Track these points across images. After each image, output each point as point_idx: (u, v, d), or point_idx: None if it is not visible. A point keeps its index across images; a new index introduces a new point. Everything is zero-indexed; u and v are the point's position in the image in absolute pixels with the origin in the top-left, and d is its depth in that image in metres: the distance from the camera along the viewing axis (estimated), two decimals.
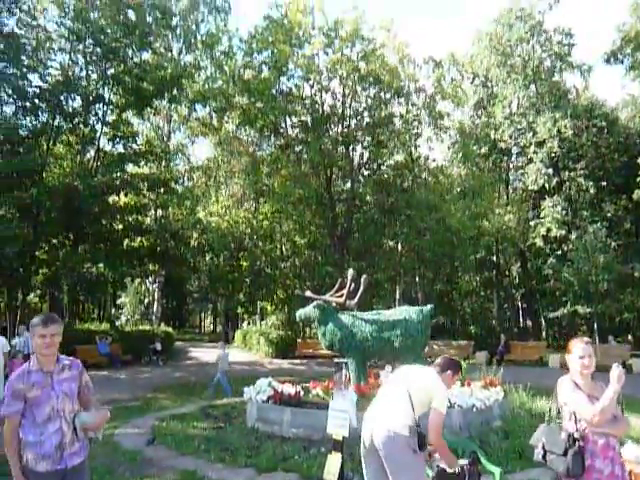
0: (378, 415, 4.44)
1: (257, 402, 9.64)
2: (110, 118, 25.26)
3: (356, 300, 10.86)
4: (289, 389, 9.84)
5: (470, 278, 37.56)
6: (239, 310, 35.57)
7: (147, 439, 8.62)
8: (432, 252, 27.76)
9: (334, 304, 10.71)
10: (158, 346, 23.46)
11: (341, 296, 10.74)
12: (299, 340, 28.02)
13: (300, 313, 10.84)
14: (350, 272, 10.54)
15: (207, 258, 30.87)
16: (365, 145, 28.35)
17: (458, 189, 30.76)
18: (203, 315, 64.78)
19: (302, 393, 9.73)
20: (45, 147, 23.80)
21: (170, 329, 28.58)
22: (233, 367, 22.98)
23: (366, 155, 28.85)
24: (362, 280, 10.75)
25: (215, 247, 28.75)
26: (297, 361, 25.28)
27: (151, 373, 20.02)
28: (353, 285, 10.60)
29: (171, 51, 30.13)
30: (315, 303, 10.64)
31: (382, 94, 27.32)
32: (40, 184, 21.49)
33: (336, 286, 11.34)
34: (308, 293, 11.97)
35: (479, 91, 34.92)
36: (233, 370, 21.77)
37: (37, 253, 21.92)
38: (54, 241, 22.59)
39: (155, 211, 28.07)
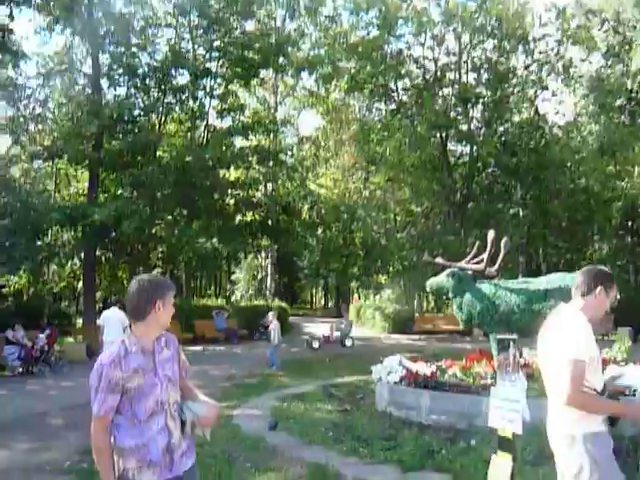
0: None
1: (388, 383, 8.42)
2: (218, 92, 24.95)
3: (497, 267, 9.26)
4: (424, 369, 8.52)
5: (604, 245, 33.88)
6: (352, 284, 34.63)
7: (269, 423, 7.68)
8: (565, 217, 24.94)
9: (471, 272, 9.21)
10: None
11: (479, 262, 9.21)
12: (417, 315, 26.54)
13: (431, 283, 9.49)
14: (491, 233, 8.92)
15: (319, 231, 30.05)
16: (485, 102, 25.90)
17: (593, 146, 27.38)
18: (314, 291, 64.95)
19: (438, 373, 8.40)
20: (157, 125, 23.96)
21: (284, 304, 28.19)
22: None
23: (487, 114, 26.39)
24: (502, 244, 9.08)
25: (327, 219, 27.80)
26: (415, 337, 23.88)
27: (267, 348, 19.50)
28: (493, 249, 9.01)
29: (275, 19, 29.26)
30: (449, 271, 9.24)
31: (503, 44, 24.72)
32: (154, 161, 21.58)
33: (472, 252, 9.83)
34: (439, 259, 10.52)
35: (610, 38, 30.88)
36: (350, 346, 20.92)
37: (154, 230, 22.10)
38: (169, 217, 22.69)
39: (265, 185, 27.57)
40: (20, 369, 13.13)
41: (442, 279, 9.21)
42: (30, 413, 8.84)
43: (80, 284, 25.50)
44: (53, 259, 23.35)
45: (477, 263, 9.28)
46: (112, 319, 13.16)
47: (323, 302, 59.18)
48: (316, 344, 19.07)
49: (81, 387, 11.21)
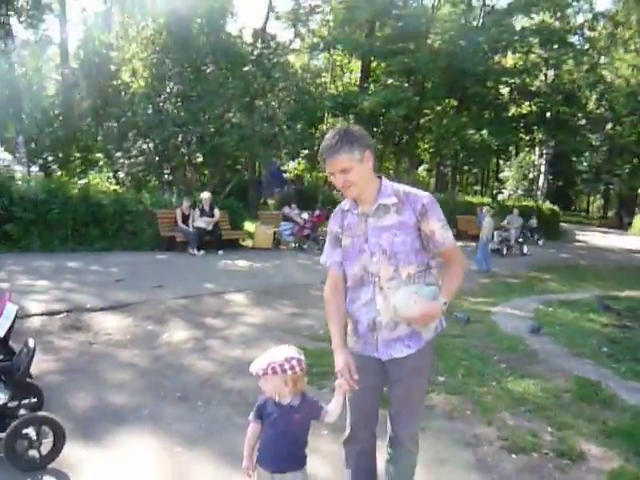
0: None
1: None
2: None
3: None
4: None
5: None
6: None
7: (531, 326, 6.91)
8: None
9: None
10: (533, 222, 21.10)
11: None
12: None
13: None
14: None
15: (607, 127, 25.94)
16: None
17: None
18: (591, 198, 58.42)
19: None
20: (430, 8, 22.67)
21: (555, 207, 25.68)
22: (632, 257, 19.32)
23: None
24: None
25: (618, 111, 23.69)
26: None
27: (532, 251, 18.10)
28: None
29: None
30: None
31: None
32: (424, 47, 20.63)
33: None
34: None
35: None
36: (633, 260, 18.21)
37: (422, 120, 21.58)
38: (438, 108, 21.85)
39: (546, 71, 24.42)
40: (293, 244, 14.37)
41: None
42: (295, 284, 9.51)
43: None
44: None
45: None
46: None
47: (602, 211, 53.02)
48: None
49: None
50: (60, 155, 18.74)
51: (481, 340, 6.42)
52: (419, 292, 2.41)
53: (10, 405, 3.38)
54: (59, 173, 16.68)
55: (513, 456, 3.78)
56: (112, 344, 5.85)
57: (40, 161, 19.37)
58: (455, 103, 21.98)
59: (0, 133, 20.18)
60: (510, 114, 22.61)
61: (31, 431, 3.28)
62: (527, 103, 23.04)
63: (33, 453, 3.29)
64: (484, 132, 20.53)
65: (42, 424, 3.33)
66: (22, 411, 3.41)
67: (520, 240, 17.06)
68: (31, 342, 3.55)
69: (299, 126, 16.51)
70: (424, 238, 2.46)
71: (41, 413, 3.45)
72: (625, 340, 6.80)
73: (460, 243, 18.41)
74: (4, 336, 4.10)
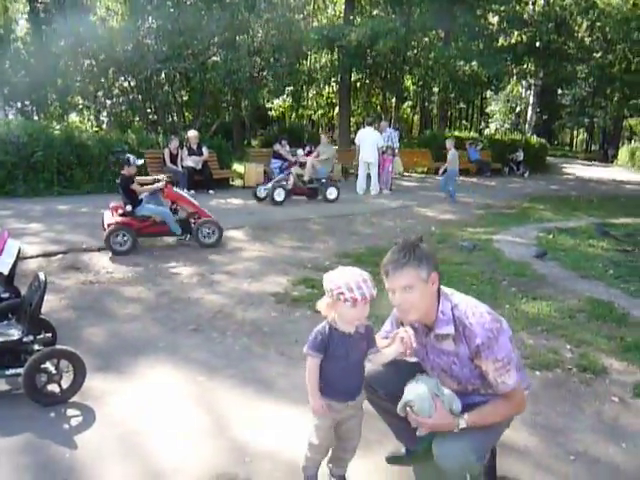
0: None
1: None
2: None
3: None
4: None
5: None
6: (629, 122, 29.61)
7: (536, 251, 6.87)
8: None
9: None
10: (520, 156, 20.98)
11: None
12: None
13: None
14: None
15: (597, 55, 25.39)
16: None
17: None
18: (575, 132, 58.22)
19: None
20: None
21: (543, 140, 25.49)
22: (621, 187, 19.40)
23: None
24: None
25: (612, 37, 23.08)
26: None
27: (523, 183, 18.07)
28: None
29: None
30: None
31: None
32: None
33: None
34: None
35: None
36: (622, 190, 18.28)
37: (409, 54, 20.92)
38: (425, 39, 21.17)
39: None
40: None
41: None
42: (292, 219, 9.34)
43: (336, 110, 26.12)
44: (312, 84, 24.04)
45: None
46: (368, 139, 13.13)
47: (585, 145, 53.01)
48: None
49: (338, 202, 11.68)
50: (36, 98, 18.03)
51: (488, 266, 6.38)
52: (441, 396, 2.23)
53: (25, 340, 3.25)
54: (36, 117, 16.11)
55: (537, 373, 3.78)
56: (115, 282, 5.72)
57: (18, 105, 18.66)
58: (443, 34, 21.30)
59: None
60: (500, 44, 22.03)
61: (50, 365, 3.18)
62: (517, 33, 22.43)
63: (53, 387, 3.20)
64: (474, 63, 20.01)
65: (60, 358, 3.22)
66: (37, 347, 3.29)
67: None
68: (42, 276, 3.40)
69: (284, 60, 15.89)
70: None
71: (59, 347, 3.34)
72: (629, 263, 6.80)
73: (460, 179, 18.38)
74: (8, 273, 3.94)
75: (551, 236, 8.36)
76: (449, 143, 13.17)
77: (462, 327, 2.22)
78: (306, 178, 11.82)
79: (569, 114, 42.51)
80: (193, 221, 7.32)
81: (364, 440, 2.87)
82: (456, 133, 26.41)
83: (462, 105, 35.07)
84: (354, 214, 10.14)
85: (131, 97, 14.57)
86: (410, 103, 34.80)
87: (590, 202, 13.69)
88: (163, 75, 13.95)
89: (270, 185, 11.22)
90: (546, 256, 6.77)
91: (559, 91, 35.35)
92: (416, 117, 37.03)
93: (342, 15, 22.54)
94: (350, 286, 2.14)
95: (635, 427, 3.18)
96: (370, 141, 12.89)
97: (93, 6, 16.25)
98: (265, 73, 15.89)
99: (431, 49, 20.11)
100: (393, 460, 2.72)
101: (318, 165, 12.03)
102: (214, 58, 14.48)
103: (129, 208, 6.94)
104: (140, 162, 7.41)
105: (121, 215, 6.96)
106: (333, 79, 22.58)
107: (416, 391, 2.24)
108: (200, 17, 13.97)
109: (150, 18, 14.26)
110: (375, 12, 21.78)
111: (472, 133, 26.93)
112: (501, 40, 22.38)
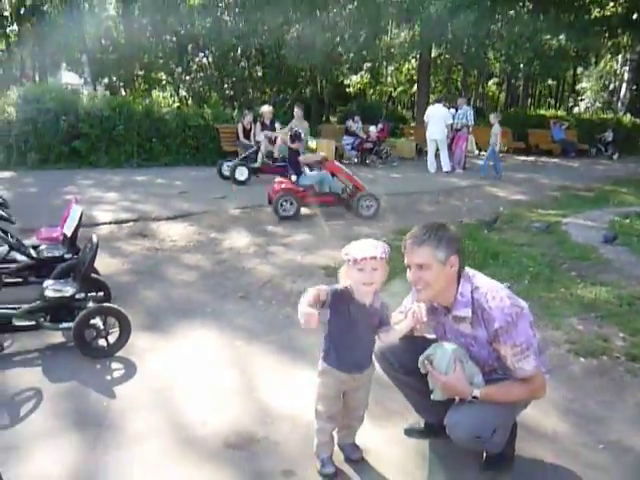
0: None
1: None
2: None
3: None
4: None
5: None
6: None
7: (605, 235, 6.53)
8: None
9: None
10: (609, 136, 19.69)
11: None
12: None
13: None
14: None
15: None
16: None
17: None
18: None
19: None
20: None
21: (638, 120, 23.79)
22: None
23: None
24: None
25: None
26: None
27: (609, 166, 17.02)
28: None
29: None
30: None
31: None
32: None
33: None
34: None
35: None
36: None
37: (492, 27, 20.04)
38: (511, 12, 20.20)
39: None
40: (355, 159, 14.08)
41: None
42: None
43: (415, 87, 25.62)
44: (391, 60, 23.63)
45: None
46: (435, 115, 12.80)
47: None
48: None
49: (407, 179, 11.53)
50: (123, 74, 18.87)
51: (550, 249, 6.13)
52: (464, 364, 2.25)
53: (78, 297, 3.51)
54: (123, 93, 16.90)
55: (581, 359, 3.64)
56: (177, 250, 5.99)
57: (105, 80, 19.63)
58: (530, 6, 20.21)
59: (66, 55, 20.45)
60: (592, 16, 20.64)
61: (98, 321, 3.41)
62: (612, 4, 20.92)
63: (101, 342, 3.44)
64: (562, 37, 18.91)
65: (108, 314, 3.45)
66: (90, 304, 3.54)
67: None
68: (94, 238, 3.63)
69: (362, 36, 15.73)
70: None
71: (106, 304, 3.58)
72: None
73: (531, 158, 17.67)
74: (71, 235, 4.22)
75: (627, 221, 7.88)
76: (493, 118, 12.61)
77: (480, 310, 2.22)
78: (276, 155, 10.67)
79: None
80: (349, 193, 7.88)
81: (385, 410, 2.93)
82: (541, 112, 25.29)
83: (551, 82, 33.33)
84: (421, 192, 9.98)
85: (208, 73, 14.95)
86: (496, 80, 33.50)
87: None
88: (239, 51, 14.18)
89: (232, 163, 10.29)
90: (616, 241, 6.42)
91: None
92: (502, 95, 35.61)
93: None
94: (357, 249, 2.19)
95: None
96: (437, 118, 12.59)
97: None
98: (341, 49, 15.80)
99: (515, 22, 19.16)
100: (411, 432, 2.74)
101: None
102: (288, 35, 14.55)
103: (294, 178, 7.76)
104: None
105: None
106: (412, 55, 22.08)
107: (440, 347, 2.29)
108: None
109: None
110: None
111: (559, 112, 25.62)
112: (594, 12, 20.96)
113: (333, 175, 7.90)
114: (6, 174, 10.36)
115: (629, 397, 3.24)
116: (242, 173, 10.10)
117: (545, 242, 6.48)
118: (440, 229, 2.25)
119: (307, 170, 8.00)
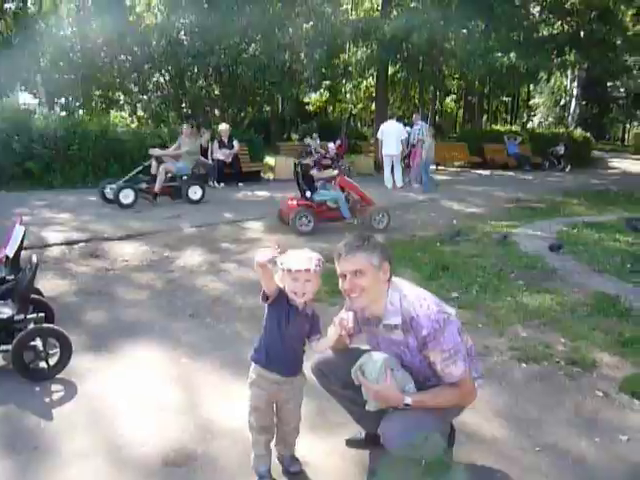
0: None
1: None
2: None
3: None
4: None
5: None
6: None
7: (550, 244, 6.73)
8: None
9: None
10: (561, 150, 20.36)
11: None
12: None
13: None
14: None
15: None
16: None
17: None
18: (628, 126, 55.97)
19: None
20: None
21: (587, 134, 24.64)
22: None
23: None
24: None
25: None
26: None
27: (561, 178, 17.56)
28: None
29: None
30: None
31: None
32: None
33: None
34: None
35: None
36: None
37: (446, 45, 20.59)
38: (464, 31, 20.76)
39: None
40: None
41: None
42: None
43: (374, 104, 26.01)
44: (349, 78, 23.95)
45: None
46: (390, 132, 12.95)
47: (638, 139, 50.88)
48: None
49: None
50: (80, 94, 18.61)
51: (499, 259, 6.28)
52: (395, 372, 2.27)
53: (16, 319, 3.43)
54: (81, 113, 16.66)
55: (523, 365, 3.74)
56: (128, 269, 5.92)
57: (62, 101, 19.32)
58: (483, 25, 20.83)
59: (20, 75, 20.06)
60: (541, 34, 21.39)
61: (38, 342, 3.34)
62: (559, 23, 21.74)
63: (41, 364, 3.36)
64: (512, 55, 19.52)
65: (48, 336, 3.38)
66: (30, 325, 3.46)
67: None
68: (34, 258, 3.57)
69: (318, 55, 15.92)
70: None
71: (46, 325, 3.50)
72: None
73: (487, 171, 18.09)
74: (14, 256, 4.13)
75: (575, 230, 8.14)
76: (427, 133, 13.06)
77: (409, 318, 2.25)
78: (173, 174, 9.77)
79: (621, 107, 40.91)
80: (359, 207, 8.09)
81: (327, 422, 2.94)
82: (496, 127, 25.98)
83: (506, 98, 34.30)
84: None
85: (165, 92, 14.90)
86: (453, 97, 34.32)
87: (630, 197, 13.21)
88: (196, 70, 14.19)
89: (116, 185, 9.20)
90: (562, 249, 6.61)
91: (609, 83, 34.05)
92: (460, 111, 36.48)
93: (379, 9, 22.38)
94: (292, 260, 2.25)
95: (614, 422, 3.11)
96: (393, 134, 12.79)
97: (133, 4, 16.66)
98: (298, 67, 15.96)
99: (468, 41, 19.72)
100: (352, 443, 2.76)
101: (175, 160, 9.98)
102: (246, 54, 14.63)
103: (308, 194, 7.86)
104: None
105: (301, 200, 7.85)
106: (369, 72, 22.45)
107: (371, 357, 2.31)
108: (232, 12, 14.14)
109: (186, 14, 14.51)
110: (413, 4, 21.46)
111: (514, 127, 26.34)
112: (543, 31, 21.73)
113: (343, 190, 8.09)
114: None
115: (567, 400, 3.33)
116: (127, 196, 9.09)
117: (496, 252, 6.64)
118: (372, 237, 2.32)
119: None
